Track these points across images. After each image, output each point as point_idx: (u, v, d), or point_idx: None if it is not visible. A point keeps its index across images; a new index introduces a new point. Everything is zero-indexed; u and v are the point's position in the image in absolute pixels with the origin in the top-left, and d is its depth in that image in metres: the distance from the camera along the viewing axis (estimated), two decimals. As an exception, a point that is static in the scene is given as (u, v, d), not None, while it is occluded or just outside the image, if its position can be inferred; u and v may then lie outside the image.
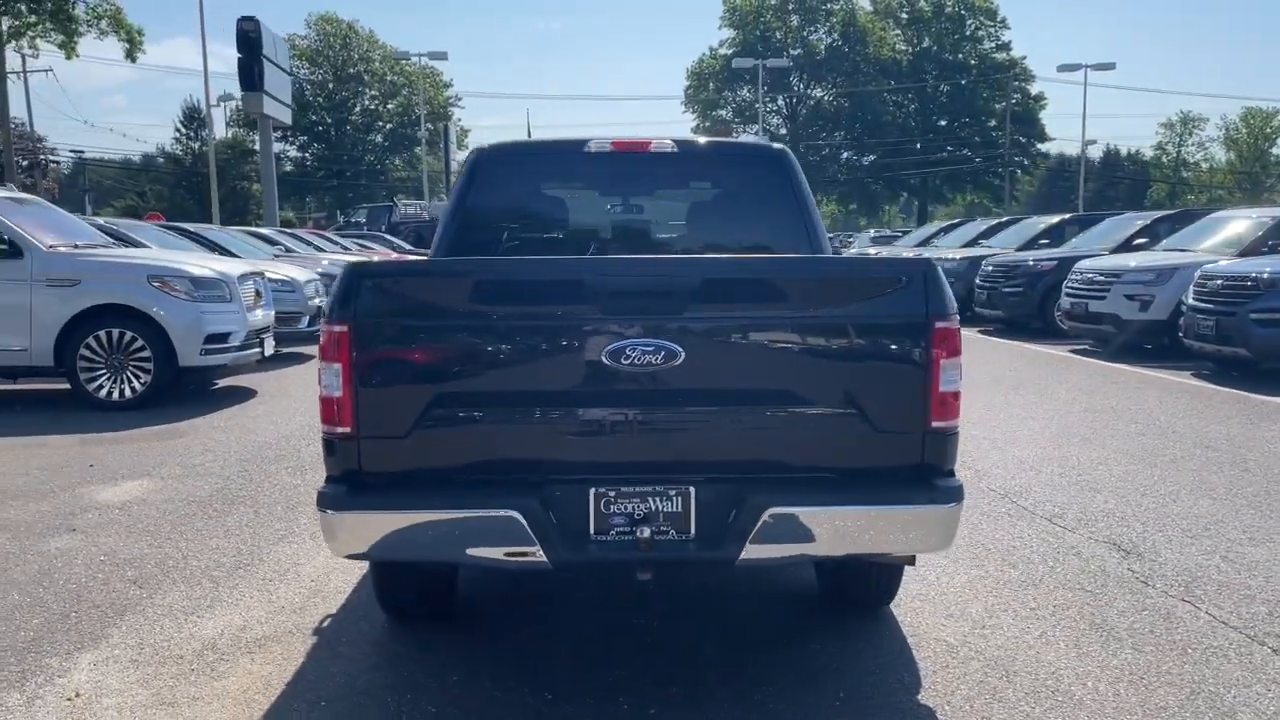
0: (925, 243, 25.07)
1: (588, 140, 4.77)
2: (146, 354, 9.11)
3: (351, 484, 3.14)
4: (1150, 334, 13.07)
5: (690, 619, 4.20)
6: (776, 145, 5.07)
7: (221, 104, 48.75)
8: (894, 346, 3.19)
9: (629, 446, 3.16)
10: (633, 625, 4.12)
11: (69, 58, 24.91)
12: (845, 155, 69.78)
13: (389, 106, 73.38)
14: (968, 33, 69.44)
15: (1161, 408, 9.15)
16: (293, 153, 70.66)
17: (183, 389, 9.75)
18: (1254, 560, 4.85)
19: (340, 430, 3.10)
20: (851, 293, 3.28)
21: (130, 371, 9.11)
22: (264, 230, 21.01)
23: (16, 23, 22.67)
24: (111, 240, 10.89)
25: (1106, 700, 3.43)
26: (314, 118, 70.79)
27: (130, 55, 23.76)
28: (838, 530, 3.12)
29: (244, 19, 29.71)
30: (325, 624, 4.14)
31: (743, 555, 3.07)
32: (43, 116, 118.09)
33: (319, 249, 19.83)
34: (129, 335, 9.03)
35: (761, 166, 4.94)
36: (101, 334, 9.02)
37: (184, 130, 66.47)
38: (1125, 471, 6.67)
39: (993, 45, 69.66)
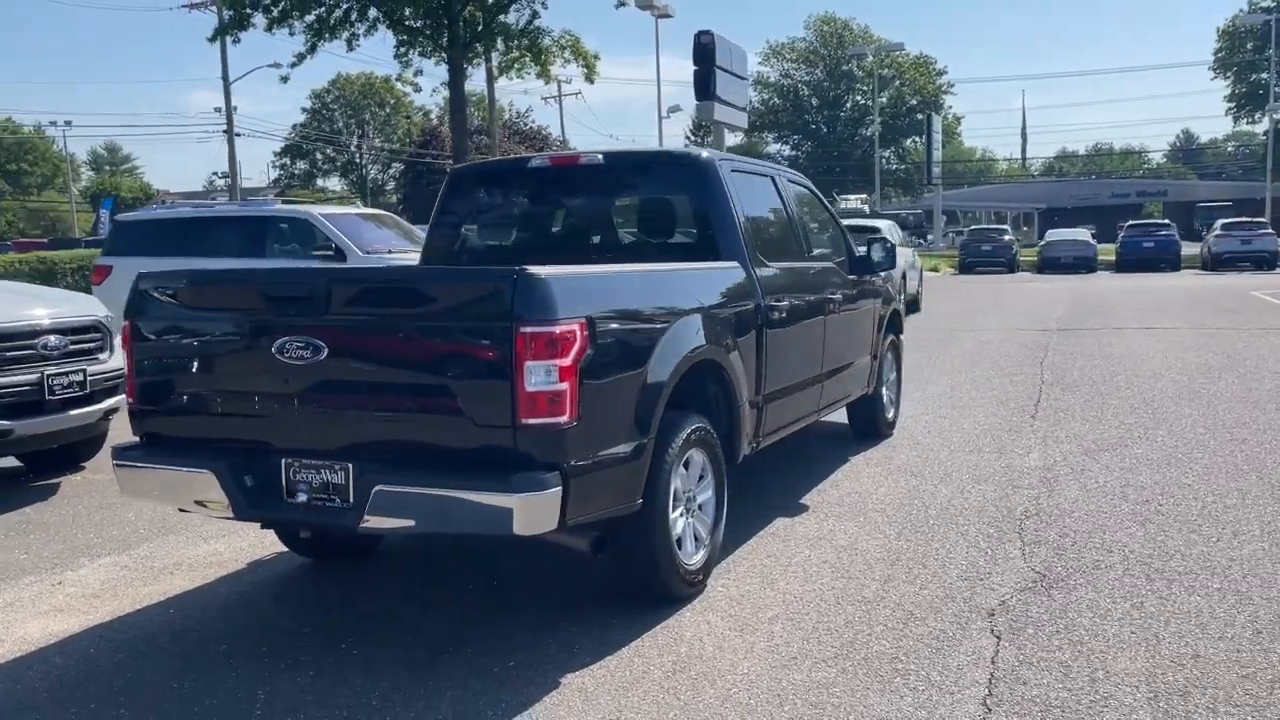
0: None
1: (532, 157, 5.64)
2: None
3: (142, 445, 4.14)
4: None
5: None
6: (695, 154, 5.37)
7: (670, 114, 53.18)
8: (485, 349, 3.47)
9: (299, 427, 3.80)
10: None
11: (546, 82, 29.74)
12: None
13: (881, 99, 74.06)
14: None
15: None
16: (786, 151, 74.14)
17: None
18: None
19: (129, 403, 4.22)
20: (448, 299, 3.64)
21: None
22: None
23: (503, 58, 27.46)
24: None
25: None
26: (807, 116, 73.74)
27: (588, 78, 27.66)
28: (431, 508, 3.52)
29: (701, 33, 32.31)
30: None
31: (361, 524, 3.65)
32: (577, 133, 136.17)
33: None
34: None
35: (672, 174, 5.41)
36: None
37: (694, 138, 72.76)
38: None
39: None
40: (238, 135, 40.62)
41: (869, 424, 7.43)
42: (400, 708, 3.43)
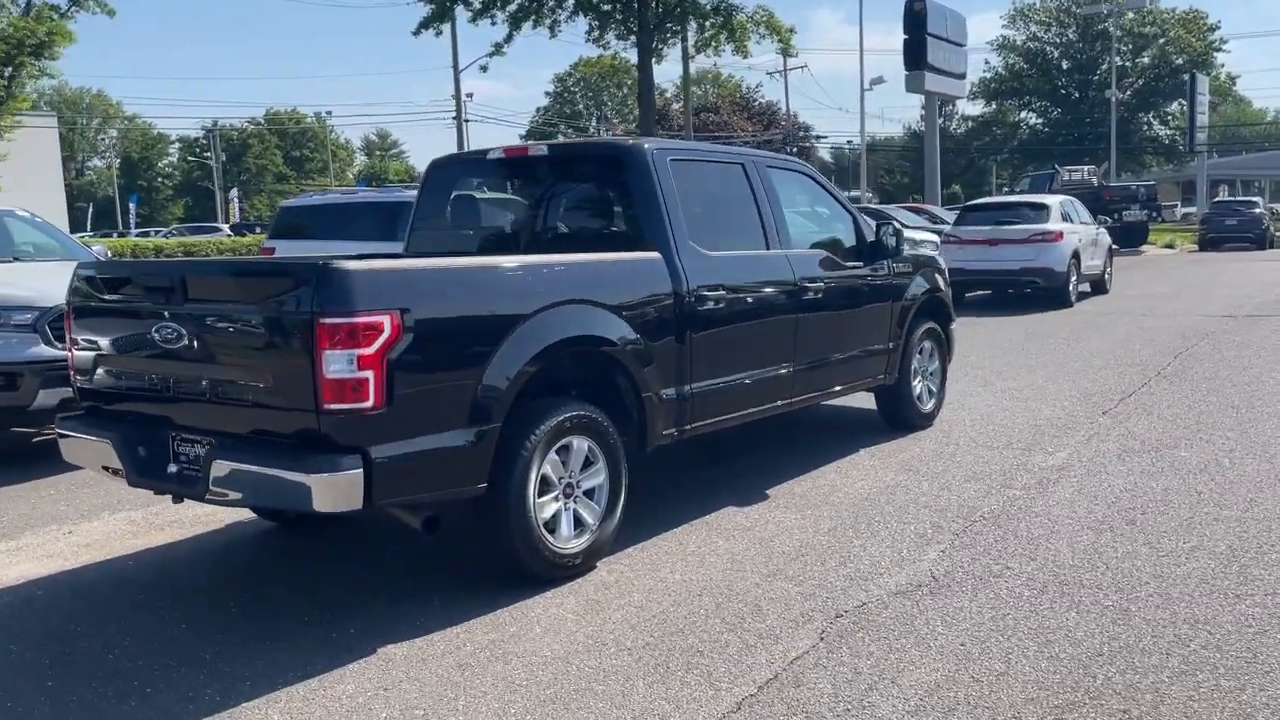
0: None
1: (491, 149, 5.87)
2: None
3: (79, 415, 4.72)
4: None
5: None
6: (623, 144, 5.43)
7: (873, 86, 51.17)
8: (294, 338, 3.73)
9: (180, 405, 4.24)
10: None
11: (745, 58, 29.66)
12: None
13: (1141, 60, 68.55)
14: None
15: None
16: (1032, 120, 70.09)
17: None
18: None
19: (71, 377, 4.82)
20: (268, 290, 3.88)
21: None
22: (881, 208, 23.17)
23: (699, 38, 27.62)
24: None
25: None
26: (1057, 81, 69.29)
27: (784, 52, 27.28)
28: (252, 484, 3.86)
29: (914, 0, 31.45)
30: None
31: (207, 495, 4.06)
32: (806, 108, 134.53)
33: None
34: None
35: (606, 165, 5.47)
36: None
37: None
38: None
39: None
40: (475, 121, 42.82)
41: (896, 415, 7.22)
42: (227, 663, 3.80)
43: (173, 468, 4.24)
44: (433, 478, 4.04)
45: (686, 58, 32.17)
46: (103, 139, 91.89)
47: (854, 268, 6.45)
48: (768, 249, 5.79)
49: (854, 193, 66.95)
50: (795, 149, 64.41)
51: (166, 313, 4.17)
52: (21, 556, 5.20)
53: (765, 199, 5.86)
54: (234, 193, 73.35)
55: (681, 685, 3.51)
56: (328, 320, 3.66)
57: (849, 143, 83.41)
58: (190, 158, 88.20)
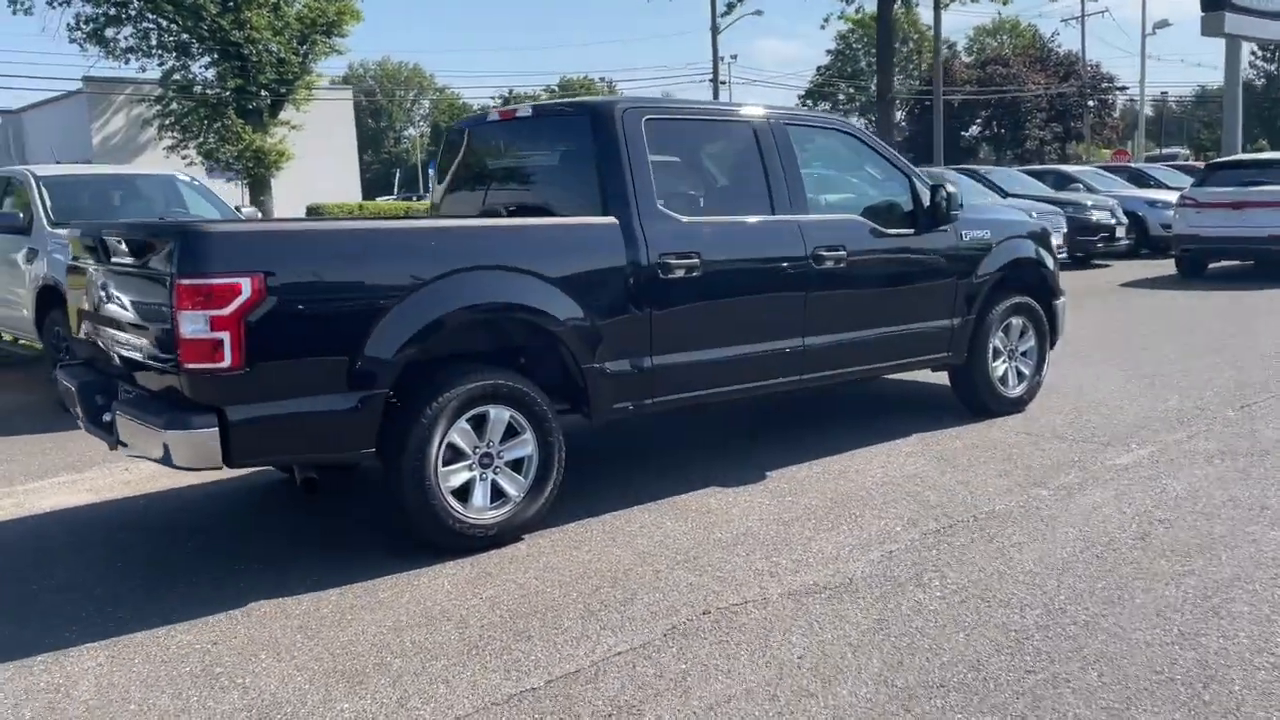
0: None
1: (490, 111, 5.80)
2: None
3: (75, 364, 5.07)
4: None
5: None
6: (592, 103, 5.19)
7: (1155, 30, 45.47)
8: (162, 299, 3.90)
9: (123, 359, 4.42)
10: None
11: (1004, 4, 27.50)
12: None
13: None
14: None
15: None
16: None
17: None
18: None
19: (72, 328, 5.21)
20: (151, 252, 4.04)
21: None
22: (1070, 169, 21.27)
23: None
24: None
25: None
26: None
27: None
28: (133, 436, 4.10)
29: (1216, -69, 27.87)
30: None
31: (118, 444, 4.27)
32: (1108, 57, 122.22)
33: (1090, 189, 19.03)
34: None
35: (577, 126, 5.19)
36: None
37: (1262, 54, 62.36)
38: None
39: None
40: (741, 83, 42.64)
41: (971, 399, 6.53)
42: (115, 606, 4.04)
43: (106, 417, 4.50)
44: (304, 441, 4.08)
45: (939, 6, 30.34)
46: (417, 109, 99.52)
47: (899, 236, 5.87)
48: (773, 214, 5.38)
49: (1171, 149, 60.82)
50: (1094, 102, 59.41)
51: (100, 273, 4.46)
52: (52, 493, 5.76)
53: (778, 161, 5.42)
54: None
55: (477, 670, 3.37)
56: (185, 281, 3.77)
57: (1163, 94, 76.10)
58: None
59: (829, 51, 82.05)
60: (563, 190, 5.37)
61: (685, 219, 5.01)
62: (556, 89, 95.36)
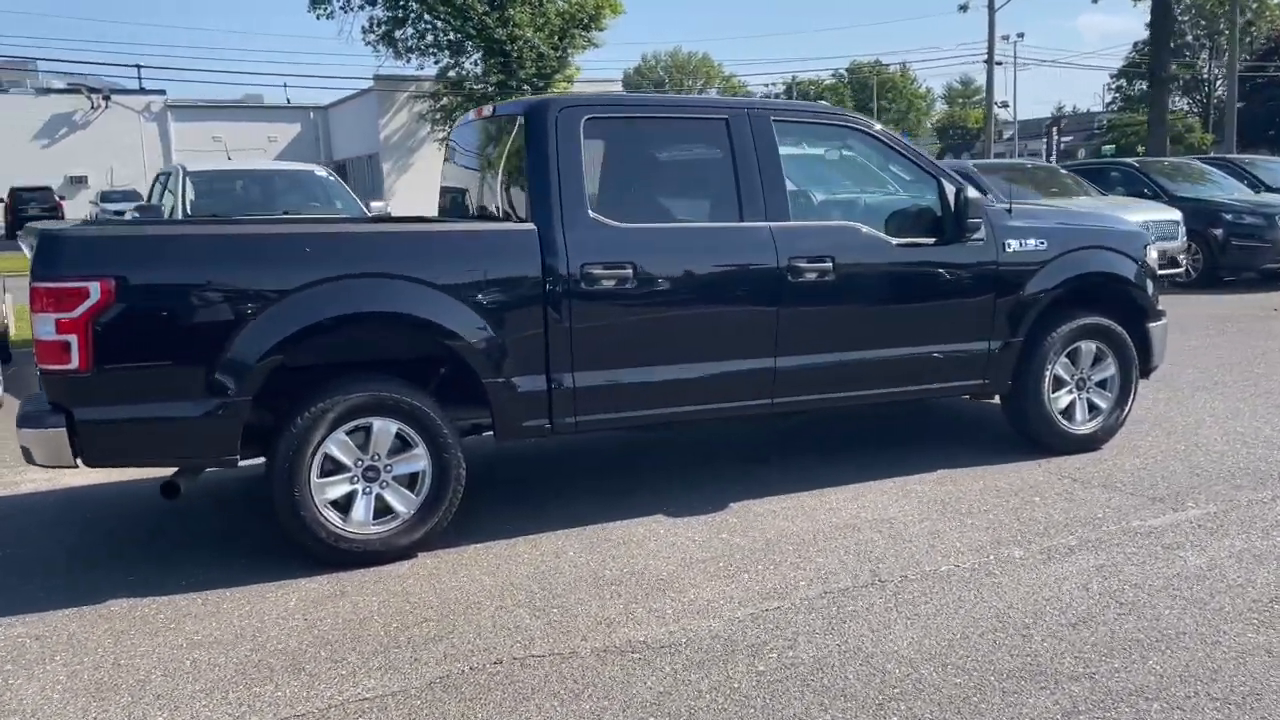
0: None
1: (484, 108, 5.53)
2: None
3: None
4: None
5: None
6: (528, 104, 4.84)
7: None
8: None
9: None
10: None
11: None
12: None
13: None
14: None
15: None
16: None
17: None
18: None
19: None
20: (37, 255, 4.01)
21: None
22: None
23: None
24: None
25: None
26: None
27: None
28: (35, 442, 4.02)
29: None
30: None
31: None
32: None
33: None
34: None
35: (517, 127, 4.82)
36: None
37: None
38: None
39: None
40: (1031, 64, 39.99)
41: (1025, 432, 5.63)
42: (41, 590, 4.24)
43: None
44: (158, 445, 4.09)
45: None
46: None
47: (911, 246, 5.12)
48: (741, 220, 4.85)
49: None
50: None
51: None
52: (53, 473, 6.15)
53: (753, 161, 4.87)
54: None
55: (216, 703, 3.23)
56: (38, 284, 3.86)
57: None
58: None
59: (1147, 25, 75.11)
60: (514, 193, 5.09)
61: (619, 225, 4.62)
62: (845, 73, 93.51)
